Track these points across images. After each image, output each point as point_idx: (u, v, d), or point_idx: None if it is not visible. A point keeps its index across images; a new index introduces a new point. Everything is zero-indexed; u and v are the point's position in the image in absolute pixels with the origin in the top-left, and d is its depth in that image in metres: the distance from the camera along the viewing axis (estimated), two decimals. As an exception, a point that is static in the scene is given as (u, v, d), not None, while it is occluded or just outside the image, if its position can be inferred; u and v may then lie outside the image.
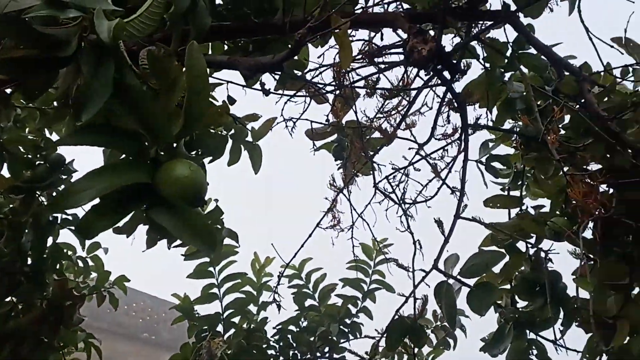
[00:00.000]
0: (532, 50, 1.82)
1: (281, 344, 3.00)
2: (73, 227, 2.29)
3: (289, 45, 1.66)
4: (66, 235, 2.53)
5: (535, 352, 1.94)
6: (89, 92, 0.82)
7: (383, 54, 1.81)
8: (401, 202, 1.93)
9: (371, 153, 2.06)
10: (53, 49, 0.82)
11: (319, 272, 3.15)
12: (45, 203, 2.13)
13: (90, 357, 2.74)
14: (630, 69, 1.79)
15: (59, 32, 0.82)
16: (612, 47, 1.76)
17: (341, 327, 2.96)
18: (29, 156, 2.15)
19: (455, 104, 1.82)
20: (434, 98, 2.00)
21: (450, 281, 1.73)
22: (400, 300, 1.78)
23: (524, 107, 1.86)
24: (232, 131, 2.39)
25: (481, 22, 1.74)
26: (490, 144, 2.04)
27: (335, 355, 2.96)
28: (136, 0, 0.94)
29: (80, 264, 2.77)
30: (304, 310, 3.09)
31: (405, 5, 1.85)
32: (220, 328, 2.99)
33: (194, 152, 2.30)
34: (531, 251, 1.94)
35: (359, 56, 1.86)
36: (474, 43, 1.93)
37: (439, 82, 1.77)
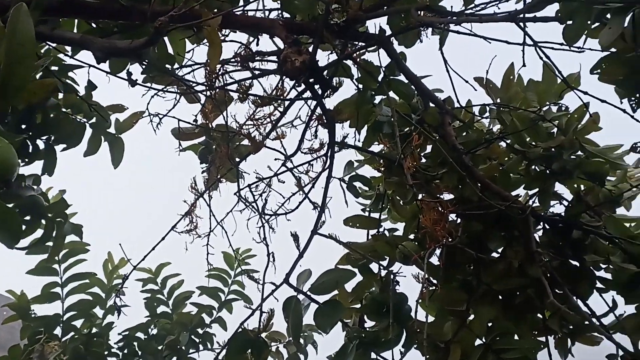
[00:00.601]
0: (403, 78, 1.88)
1: (125, 351, 2.82)
2: None
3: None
4: None
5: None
6: None
7: (257, 60, 1.77)
8: (262, 212, 1.88)
9: (237, 160, 2.01)
10: None
11: (175, 278, 3.01)
12: None
13: None
14: (488, 108, 1.91)
15: None
16: (471, 85, 1.86)
17: (192, 336, 2.84)
18: None
19: (325, 120, 1.83)
20: (307, 113, 2.00)
21: (300, 297, 1.71)
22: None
23: (390, 132, 1.91)
24: (94, 120, 2.23)
25: (357, 42, 1.77)
26: (355, 164, 2.07)
27: (182, 366, 2.83)
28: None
29: None
30: (155, 317, 2.94)
31: (286, 15, 1.83)
32: (58, 331, 2.75)
33: (45, 137, 2.12)
34: (383, 273, 1.98)
35: (233, 59, 1.82)
36: (349, 63, 1.96)
37: (311, 95, 1.76)
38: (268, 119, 1.94)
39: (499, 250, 1.84)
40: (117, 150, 2.25)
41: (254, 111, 1.93)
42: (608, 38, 1.32)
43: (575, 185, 1.84)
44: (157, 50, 1.84)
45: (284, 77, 1.72)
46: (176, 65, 1.87)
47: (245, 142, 2.10)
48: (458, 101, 1.91)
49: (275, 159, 1.92)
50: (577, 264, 1.76)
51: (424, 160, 2.03)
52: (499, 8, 1.70)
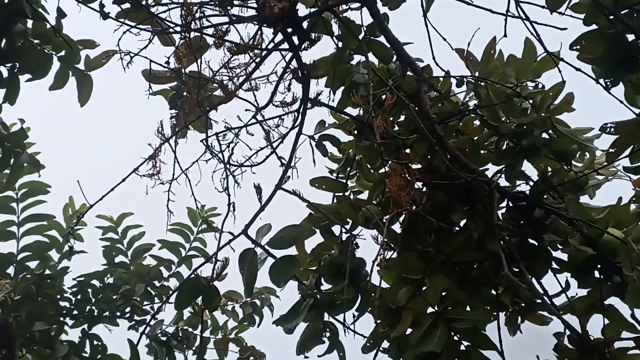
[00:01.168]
0: (383, 40, 1.84)
1: (79, 297, 2.78)
2: None
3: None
4: None
5: (328, 334, 1.97)
6: None
7: (236, 5, 1.72)
8: (227, 163, 1.84)
9: (207, 108, 1.96)
10: None
11: (137, 230, 2.98)
12: None
13: None
14: (465, 80, 1.89)
15: None
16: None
17: (148, 288, 2.81)
18: None
19: (300, 74, 1.79)
20: (283, 66, 1.95)
21: (258, 250, 1.69)
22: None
23: (365, 94, 1.88)
24: (62, 53, 2.15)
25: (340, -3, 1.72)
26: (327, 124, 2.04)
27: (136, 317, 2.81)
28: None
29: None
30: (112, 265, 2.90)
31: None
32: (11, 270, 2.69)
33: (9, 65, 2.04)
34: (344, 237, 1.97)
35: (212, 2, 1.76)
36: (331, 21, 1.92)
37: (288, 47, 1.71)
38: (242, 69, 1.89)
39: (461, 222, 1.83)
40: (85, 87, 2.18)
41: (229, 59, 1.88)
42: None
43: (543, 166, 1.83)
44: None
45: (262, 24, 1.67)
46: (151, 1, 1.81)
47: (218, 91, 2.05)
48: (440, 68, 1.89)
49: (246, 110, 1.88)
50: (536, 243, 1.77)
51: (396, 128, 2.00)
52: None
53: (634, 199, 1.75)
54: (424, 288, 1.77)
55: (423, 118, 1.79)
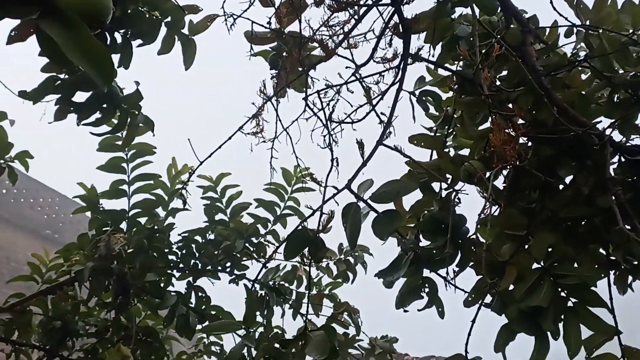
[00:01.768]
0: (487, -10, 1.79)
1: (184, 251, 2.96)
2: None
3: None
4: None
5: (427, 289, 1.99)
6: None
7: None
8: (328, 119, 1.88)
9: (307, 67, 1.99)
10: None
11: (234, 189, 3.11)
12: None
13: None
14: (575, 30, 1.80)
15: None
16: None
17: (247, 245, 2.94)
18: None
19: (401, 29, 1.78)
20: (382, 25, 1.95)
21: (361, 205, 1.73)
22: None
23: (467, 48, 1.84)
24: (169, 19, 2.25)
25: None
26: (427, 79, 2.02)
27: (235, 272, 2.96)
28: None
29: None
30: (212, 223, 3.05)
31: None
32: (123, 225, 2.90)
33: (122, 31, 2.16)
34: (444, 193, 1.97)
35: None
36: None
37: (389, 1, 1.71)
38: (342, 27, 1.90)
39: (568, 178, 1.78)
40: (189, 51, 2.27)
41: (328, 17, 1.90)
42: None
43: (660, 118, 1.74)
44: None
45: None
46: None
47: (317, 50, 2.08)
48: (558, 13, 1.80)
49: (346, 68, 1.90)
50: (651, 200, 1.69)
51: (499, 83, 1.96)
52: None
53: None
54: (528, 244, 1.75)
55: (529, 71, 1.73)
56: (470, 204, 1.97)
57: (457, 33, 1.83)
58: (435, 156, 2.06)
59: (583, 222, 1.72)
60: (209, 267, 2.95)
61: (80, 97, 2.04)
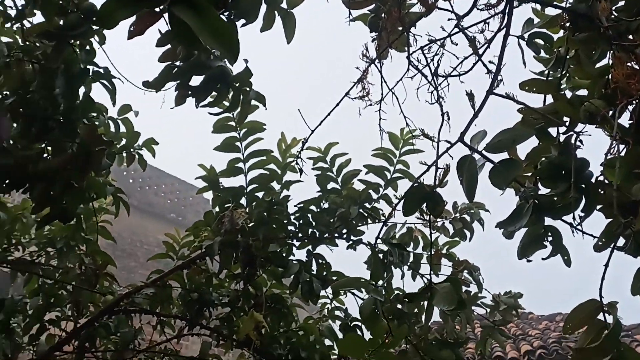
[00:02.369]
0: None
1: (301, 222, 3.08)
2: (105, 81, 2.31)
3: None
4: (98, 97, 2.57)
5: (550, 239, 1.94)
6: None
7: None
8: (434, 75, 1.87)
9: (408, 25, 1.98)
10: None
11: (343, 157, 3.17)
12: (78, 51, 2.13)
13: (119, 212, 2.86)
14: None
15: None
16: None
17: (361, 210, 3.00)
18: (62, 3, 2.12)
19: (503, -29, 1.71)
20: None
21: (475, 156, 1.71)
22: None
23: (577, -18, 1.74)
24: (267, -5, 2.32)
25: None
26: (536, 20, 1.93)
27: (352, 237, 3.03)
28: None
29: (112, 125, 2.83)
30: (325, 192, 3.14)
31: None
32: (243, 201, 3.06)
33: (227, 13, 2.26)
34: (562, 138, 1.89)
35: None
36: None
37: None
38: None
39: None
40: (289, 25, 2.33)
41: (425, -29, 1.87)
42: None
43: None
44: None
45: None
46: None
47: (416, 7, 2.06)
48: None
49: (448, 20, 1.87)
50: None
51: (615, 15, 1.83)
52: None
53: None
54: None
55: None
56: (590, 145, 1.88)
57: (565, -34, 1.73)
58: (549, 100, 1.98)
59: None
60: (326, 235, 3.05)
61: (195, 81, 2.18)
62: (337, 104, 1.99)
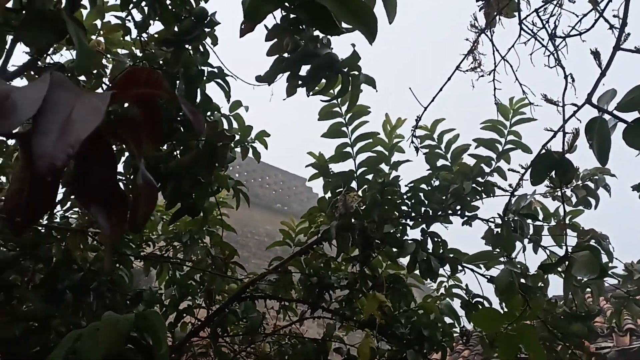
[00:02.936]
0: None
1: (413, 201, 3.07)
2: (219, 80, 2.42)
3: None
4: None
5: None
6: None
7: None
8: (552, 36, 1.79)
9: (518, -12, 1.91)
10: None
11: (451, 133, 3.11)
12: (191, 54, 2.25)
13: (239, 204, 3.01)
14: None
15: None
16: None
17: (474, 185, 2.94)
18: (175, 11, 2.25)
19: None
20: None
21: (606, 117, 1.62)
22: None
23: None
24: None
25: None
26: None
27: (467, 213, 2.98)
28: None
29: (224, 122, 2.97)
30: (435, 169, 3.10)
31: None
32: (354, 184, 3.11)
33: None
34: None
35: None
36: None
37: None
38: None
39: None
40: (390, 4, 2.32)
41: None
42: None
43: None
44: None
45: None
46: None
47: (524, -32, 1.98)
48: None
49: (564, -23, 1.78)
50: None
51: None
52: None
53: None
54: None
55: None
56: None
57: None
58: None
59: None
60: (440, 212, 3.02)
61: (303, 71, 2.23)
62: (449, 78, 1.97)
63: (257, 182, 12.38)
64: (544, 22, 1.79)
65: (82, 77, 2.59)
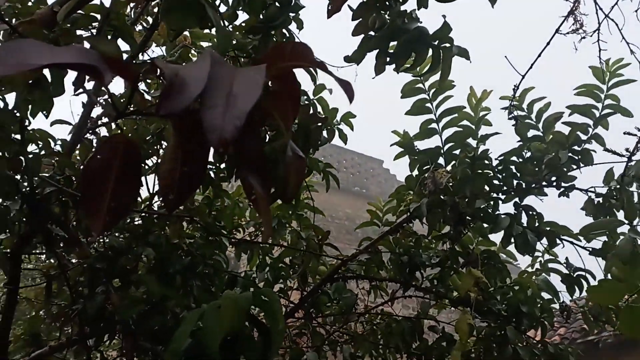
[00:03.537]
0: None
1: (504, 174, 2.98)
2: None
3: None
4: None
5: None
6: None
7: None
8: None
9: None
10: None
11: (542, 102, 2.99)
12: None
13: (329, 185, 3.04)
14: None
15: None
16: None
17: (570, 154, 2.82)
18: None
19: None
20: None
21: None
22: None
23: None
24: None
25: None
26: None
27: (563, 184, 2.87)
28: None
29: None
30: (526, 141, 3.00)
31: None
32: (441, 161, 3.06)
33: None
34: None
35: None
36: None
37: None
38: None
39: None
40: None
41: None
42: None
43: None
44: None
45: None
46: None
47: None
48: None
49: None
50: None
51: None
52: None
53: None
54: None
55: None
56: None
57: None
58: None
59: None
60: (534, 185, 2.92)
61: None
62: (547, 43, 1.89)
63: (335, 165, 12.41)
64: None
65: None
